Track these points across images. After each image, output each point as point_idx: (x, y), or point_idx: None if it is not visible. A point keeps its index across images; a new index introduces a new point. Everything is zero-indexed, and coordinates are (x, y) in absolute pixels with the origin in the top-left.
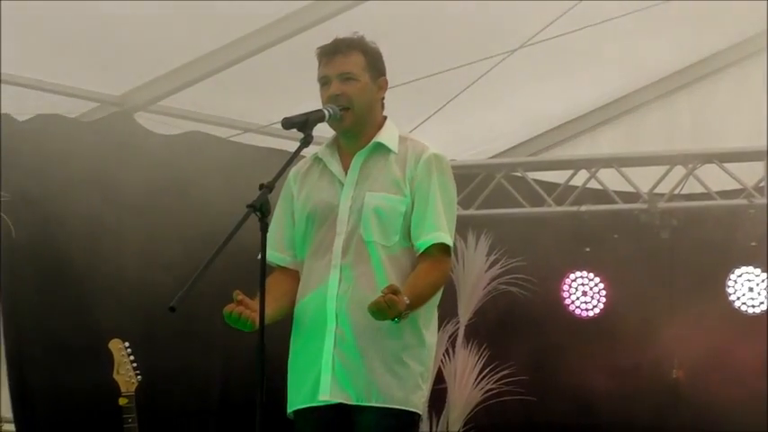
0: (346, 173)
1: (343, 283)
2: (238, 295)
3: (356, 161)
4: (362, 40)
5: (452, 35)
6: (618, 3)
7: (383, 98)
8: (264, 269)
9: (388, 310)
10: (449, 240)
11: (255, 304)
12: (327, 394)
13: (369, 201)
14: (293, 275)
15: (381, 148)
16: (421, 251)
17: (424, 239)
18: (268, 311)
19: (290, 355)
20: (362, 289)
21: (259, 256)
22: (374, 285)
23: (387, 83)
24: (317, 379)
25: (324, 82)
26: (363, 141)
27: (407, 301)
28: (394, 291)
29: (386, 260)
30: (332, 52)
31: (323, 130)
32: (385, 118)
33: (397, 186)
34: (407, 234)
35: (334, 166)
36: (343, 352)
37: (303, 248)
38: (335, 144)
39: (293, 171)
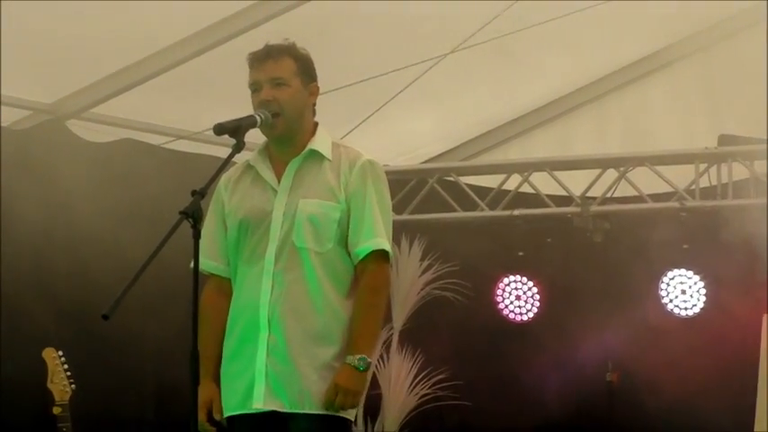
0: (279, 179)
1: (275, 290)
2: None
3: (290, 168)
4: (293, 46)
5: (384, 39)
6: (549, 6)
7: (314, 104)
8: (197, 276)
9: (349, 399)
10: (387, 246)
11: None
12: (261, 402)
13: (303, 207)
14: (227, 288)
15: (315, 155)
16: (360, 258)
17: (363, 246)
18: (211, 353)
19: (223, 361)
20: (295, 296)
21: (191, 263)
22: (306, 292)
23: (318, 89)
24: (250, 386)
25: (255, 88)
26: (295, 148)
27: (368, 360)
28: (336, 392)
29: (318, 267)
30: (263, 58)
31: (255, 137)
32: (316, 124)
33: (331, 193)
34: (342, 240)
35: (267, 173)
36: (275, 360)
37: (236, 255)
38: (267, 151)
39: (224, 178)
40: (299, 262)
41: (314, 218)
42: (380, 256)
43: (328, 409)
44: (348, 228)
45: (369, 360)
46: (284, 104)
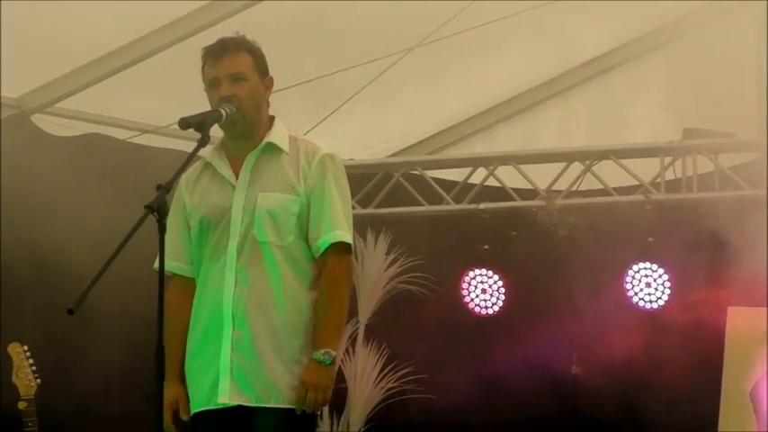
0: (237, 175)
1: (238, 286)
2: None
3: (248, 162)
4: (247, 40)
5: (349, 34)
6: (512, 1)
7: (268, 97)
8: (163, 271)
9: (320, 395)
10: (348, 238)
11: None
12: (226, 397)
13: (262, 201)
14: (190, 288)
15: (272, 148)
16: (321, 251)
17: (323, 239)
18: (175, 352)
19: (187, 357)
20: (258, 290)
21: (156, 261)
22: (270, 286)
23: (272, 81)
24: (215, 382)
25: (213, 83)
26: (253, 142)
27: (332, 353)
28: (305, 389)
29: (281, 260)
30: (219, 52)
31: (220, 131)
32: (272, 118)
33: (290, 186)
34: (302, 234)
35: (224, 169)
36: (240, 355)
37: (199, 253)
38: (223, 147)
39: (184, 177)
40: (261, 256)
41: (273, 212)
42: (341, 248)
43: (300, 407)
44: (308, 221)
45: (334, 354)
46: (243, 100)
